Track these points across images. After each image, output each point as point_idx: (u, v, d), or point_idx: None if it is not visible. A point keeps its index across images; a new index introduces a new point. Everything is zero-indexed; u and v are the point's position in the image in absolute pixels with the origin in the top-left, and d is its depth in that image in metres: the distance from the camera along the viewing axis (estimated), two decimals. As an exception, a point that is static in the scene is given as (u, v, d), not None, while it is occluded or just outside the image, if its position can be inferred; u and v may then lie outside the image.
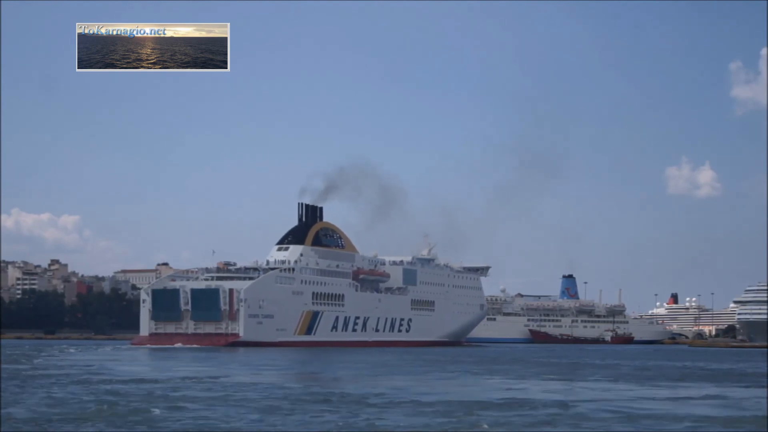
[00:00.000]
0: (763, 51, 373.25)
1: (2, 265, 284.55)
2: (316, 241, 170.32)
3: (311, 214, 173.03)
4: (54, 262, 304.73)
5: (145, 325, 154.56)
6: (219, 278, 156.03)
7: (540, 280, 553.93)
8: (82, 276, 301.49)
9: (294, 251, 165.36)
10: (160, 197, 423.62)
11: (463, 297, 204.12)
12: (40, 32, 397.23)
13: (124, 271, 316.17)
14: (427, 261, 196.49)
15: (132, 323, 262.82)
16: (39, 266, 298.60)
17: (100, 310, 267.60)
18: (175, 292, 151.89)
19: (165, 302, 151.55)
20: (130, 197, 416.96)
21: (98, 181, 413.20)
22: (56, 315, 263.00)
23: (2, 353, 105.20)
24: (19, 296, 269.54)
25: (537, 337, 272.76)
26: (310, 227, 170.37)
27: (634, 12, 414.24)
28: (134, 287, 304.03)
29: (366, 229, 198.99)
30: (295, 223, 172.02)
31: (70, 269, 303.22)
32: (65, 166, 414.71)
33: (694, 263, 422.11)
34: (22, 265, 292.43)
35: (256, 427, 36.52)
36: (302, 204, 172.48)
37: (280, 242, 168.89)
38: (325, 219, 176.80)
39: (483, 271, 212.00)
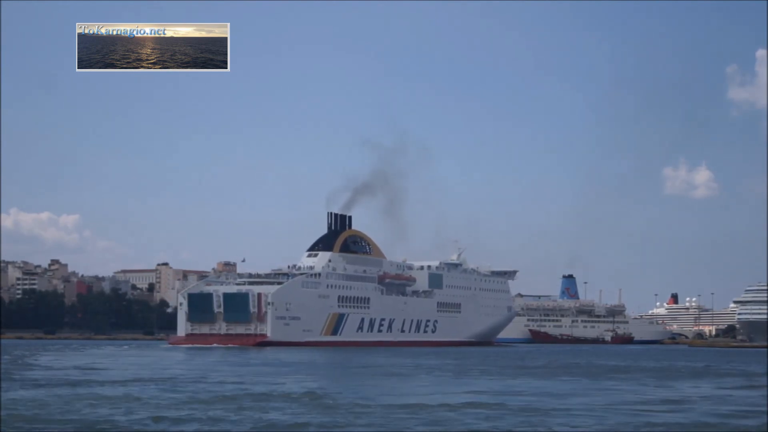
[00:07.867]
0: (759, 53, 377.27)
1: (2, 265, 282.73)
2: (345, 248, 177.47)
3: (340, 222, 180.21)
4: (54, 262, 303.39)
5: (182, 326, 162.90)
6: (250, 283, 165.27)
7: (540, 280, 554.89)
8: (82, 276, 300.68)
9: (323, 257, 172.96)
10: (160, 197, 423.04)
11: (489, 299, 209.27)
12: (40, 32, 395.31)
13: (124, 271, 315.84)
14: (455, 265, 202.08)
15: (132, 323, 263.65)
16: (39, 266, 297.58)
17: (100, 310, 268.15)
18: (209, 296, 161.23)
19: (200, 305, 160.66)
20: (130, 197, 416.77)
21: (98, 181, 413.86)
22: (56, 315, 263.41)
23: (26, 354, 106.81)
24: (19, 296, 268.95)
25: (537, 337, 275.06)
26: (338, 235, 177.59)
27: (631, 14, 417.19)
28: (134, 287, 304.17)
29: (393, 236, 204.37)
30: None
31: (70, 269, 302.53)
32: (65, 166, 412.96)
33: (694, 263, 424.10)
34: (22, 265, 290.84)
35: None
36: (331, 213, 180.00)
37: (311, 249, 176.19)
38: (354, 227, 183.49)
39: (510, 274, 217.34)
